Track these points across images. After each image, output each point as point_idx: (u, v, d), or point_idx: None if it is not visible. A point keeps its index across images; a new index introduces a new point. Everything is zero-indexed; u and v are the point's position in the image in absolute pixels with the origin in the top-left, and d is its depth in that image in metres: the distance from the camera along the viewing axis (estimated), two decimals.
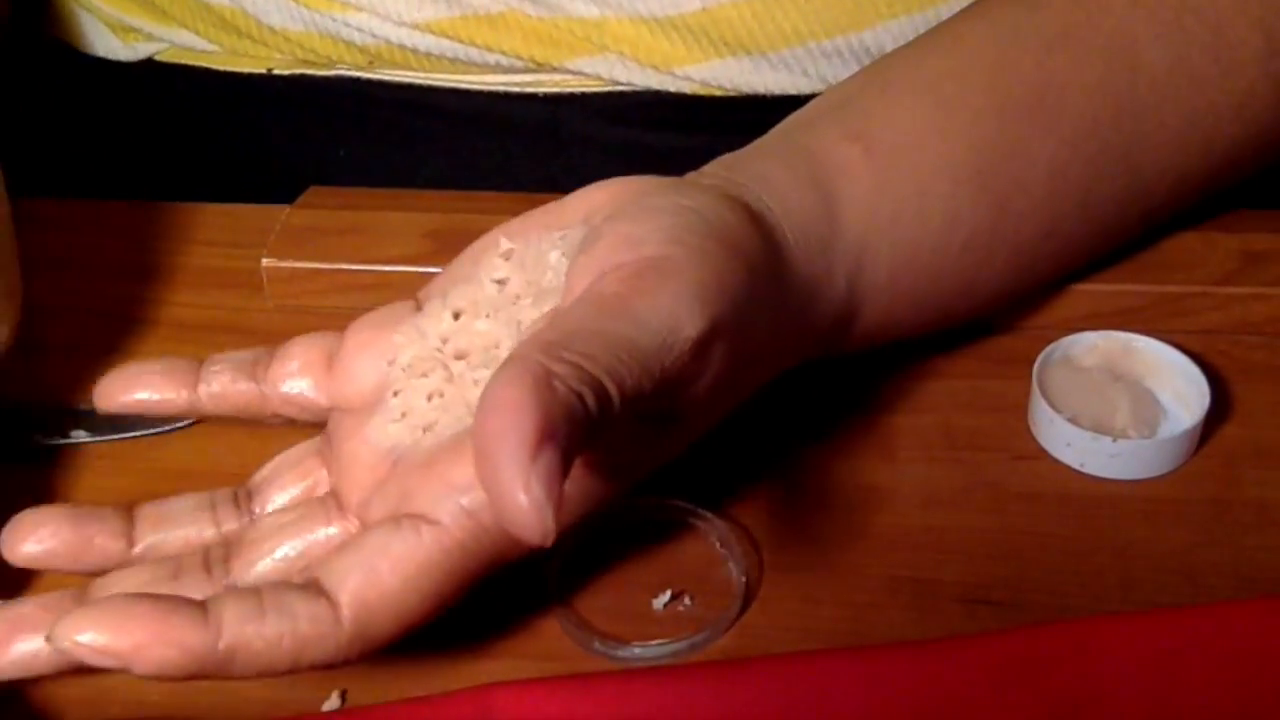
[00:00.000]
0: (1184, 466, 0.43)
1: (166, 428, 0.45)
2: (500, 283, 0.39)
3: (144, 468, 0.44)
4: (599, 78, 0.54)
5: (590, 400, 0.32)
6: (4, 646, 0.35)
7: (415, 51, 0.54)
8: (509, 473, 0.30)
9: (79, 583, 0.38)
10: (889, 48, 0.51)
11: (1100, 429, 0.43)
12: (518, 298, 0.39)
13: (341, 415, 0.40)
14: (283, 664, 0.33)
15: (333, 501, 0.38)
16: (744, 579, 0.40)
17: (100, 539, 0.38)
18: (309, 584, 0.34)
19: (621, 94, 0.55)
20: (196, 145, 0.61)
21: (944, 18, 0.47)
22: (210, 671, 0.33)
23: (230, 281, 0.51)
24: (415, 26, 0.53)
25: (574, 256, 0.37)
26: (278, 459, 0.40)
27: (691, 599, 0.40)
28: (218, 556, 0.37)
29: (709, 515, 0.41)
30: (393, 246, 0.50)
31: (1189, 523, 0.41)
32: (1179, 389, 0.44)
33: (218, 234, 0.54)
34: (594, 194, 0.41)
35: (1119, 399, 0.44)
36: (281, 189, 0.53)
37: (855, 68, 0.52)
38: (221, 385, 0.41)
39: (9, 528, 0.38)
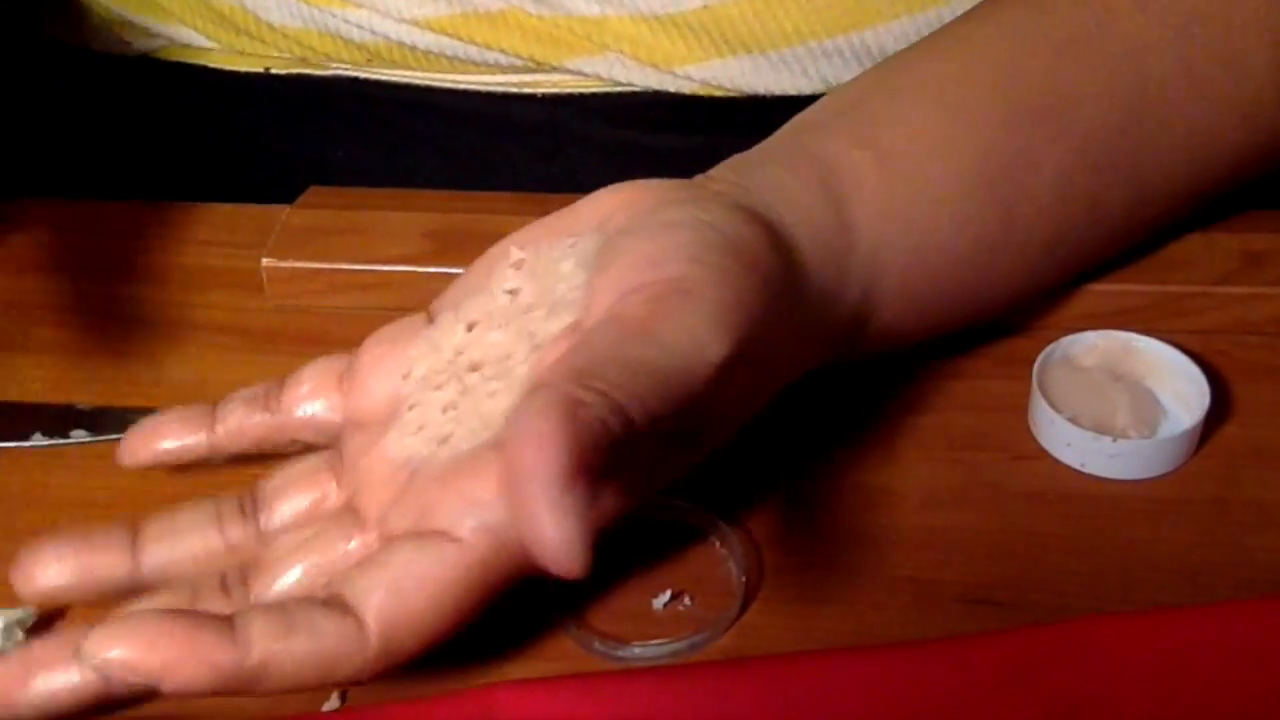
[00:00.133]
0: (1184, 466, 0.43)
1: None
2: (512, 293, 0.39)
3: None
4: (598, 78, 0.54)
5: (617, 427, 0.32)
6: (22, 685, 0.34)
7: (414, 49, 0.54)
8: (542, 506, 0.30)
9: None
10: (890, 48, 0.51)
11: (1100, 429, 0.43)
12: (530, 308, 0.39)
13: (355, 430, 0.40)
14: (310, 681, 0.33)
15: (349, 516, 0.38)
16: (744, 579, 0.40)
17: (108, 559, 0.38)
18: (333, 600, 0.34)
19: (620, 94, 0.54)
20: (196, 144, 0.61)
21: (945, 19, 0.47)
22: (237, 689, 0.33)
23: (230, 281, 0.51)
24: (415, 23, 0.53)
25: (592, 272, 0.37)
26: (286, 470, 0.40)
27: (691, 599, 0.40)
28: (235, 579, 0.37)
29: (709, 515, 0.41)
30: (393, 246, 0.50)
31: (1189, 523, 0.41)
32: (1179, 389, 0.44)
33: (218, 234, 0.53)
34: (605, 200, 0.40)
35: (1119, 399, 0.44)
36: (281, 189, 0.53)
37: (856, 68, 0.52)
38: (237, 421, 0.41)
39: (17, 568, 0.38)
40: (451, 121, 0.57)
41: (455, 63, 0.54)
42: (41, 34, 0.62)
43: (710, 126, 0.55)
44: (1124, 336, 0.45)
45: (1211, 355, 0.46)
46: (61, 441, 0.45)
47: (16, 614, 0.39)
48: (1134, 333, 0.45)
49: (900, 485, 0.43)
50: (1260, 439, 0.44)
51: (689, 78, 0.53)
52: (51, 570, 0.38)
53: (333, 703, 0.37)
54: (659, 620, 0.39)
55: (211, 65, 0.58)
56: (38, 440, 0.45)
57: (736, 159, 0.42)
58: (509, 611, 0.40)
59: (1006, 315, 0.47)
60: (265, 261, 0.50)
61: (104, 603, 0.40)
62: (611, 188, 0.41)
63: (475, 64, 0.54)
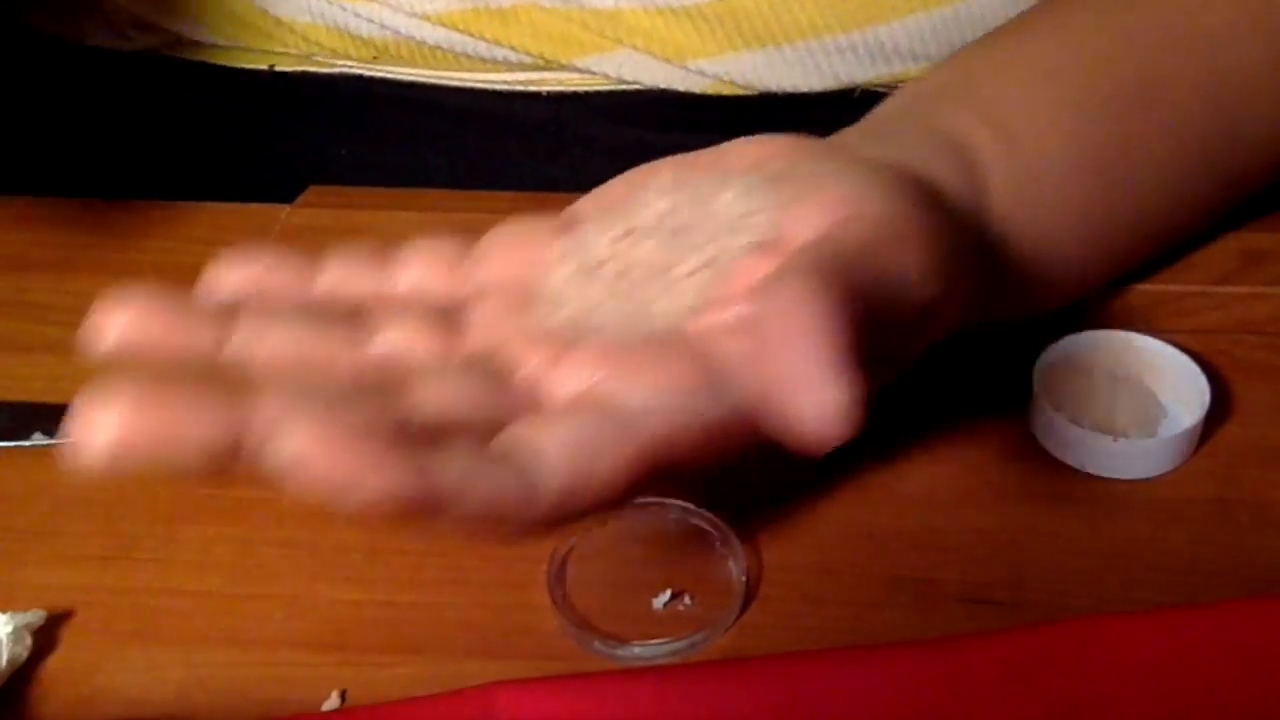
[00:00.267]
0: (1184, 466, 0.43)
1: None
2: (664, 213, 0.39)
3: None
4: (606, 76, 0.54)
5: (862, 323, 0.32)
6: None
7: (422, 45, 0.54)
8: (819, 369, 0.30)
9: None
10: (903, 45, 0.52)
11: (1100, 429, 0.43)
12: (687, 228, 0.38)
13: (483, 300, 0.38)
14: (482, 526, 0.32)
15: (484, 369, 0.36)
16: (744, 579, 0.40)
17: (192, 325, 0.34)
18: (511, 452, 0.33)
19: (625, 92, 0.55)
20: (196, 143, 0.61)
21: (961, 16, 0.47)
22: (411, 516, 0.31)
23: None
24: (425, 18, 0.53)
25: (778, 203, 0.37)
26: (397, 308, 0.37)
27: (691, 599, 0.40)
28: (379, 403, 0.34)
29: (709, 515, 0.41)
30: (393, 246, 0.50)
31: (1189, 523, 0.41)
32: (1179, 389, 0.44)
33: (218, 234, 0.53)
34: (751, 148, 0.40)
35: (1119, 399, 0.44)
36: (282, 189, 0.53)
37: (869, 65, 0.52)
38: (340, 275, 0.38)
39: (94, 316, 0.33)
40: (455, 120, 0.57)
41: (462, 60, 0.54)
42: (31, 29, 0.62)
43: (716, 125, 0.55)
44: (1124, 336, 0.45)
45: (1211, 355, 0.46)
46: (61, 441, 0.45)
47: (26, 617, 0.39)
48: (1134, 333, 0.45)
49: (900, 485, 0.43)
50: (1260, 439, 0.44)
51: (701, 72, 0.53)
52: (131, 312, 0.34)
53: (333, 702, 0.37)
54: (659, 620, 0.39)
55: (214, 62, 0.58)
56: (38, 440, 0.45)
57: (851, 132, 0.42)
58: (509, 611, 0.40)
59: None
60: None
61: (110, 602, 0.40)
62: (756, 138, 0.40)
63: (484, 61, 0.54)
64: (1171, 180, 0.45)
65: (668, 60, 0.53)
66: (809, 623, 0.39)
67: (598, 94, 0.55)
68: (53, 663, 0.39)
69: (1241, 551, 0.41)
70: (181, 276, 0.52)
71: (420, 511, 0.30)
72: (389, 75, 0.56)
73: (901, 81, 0.55)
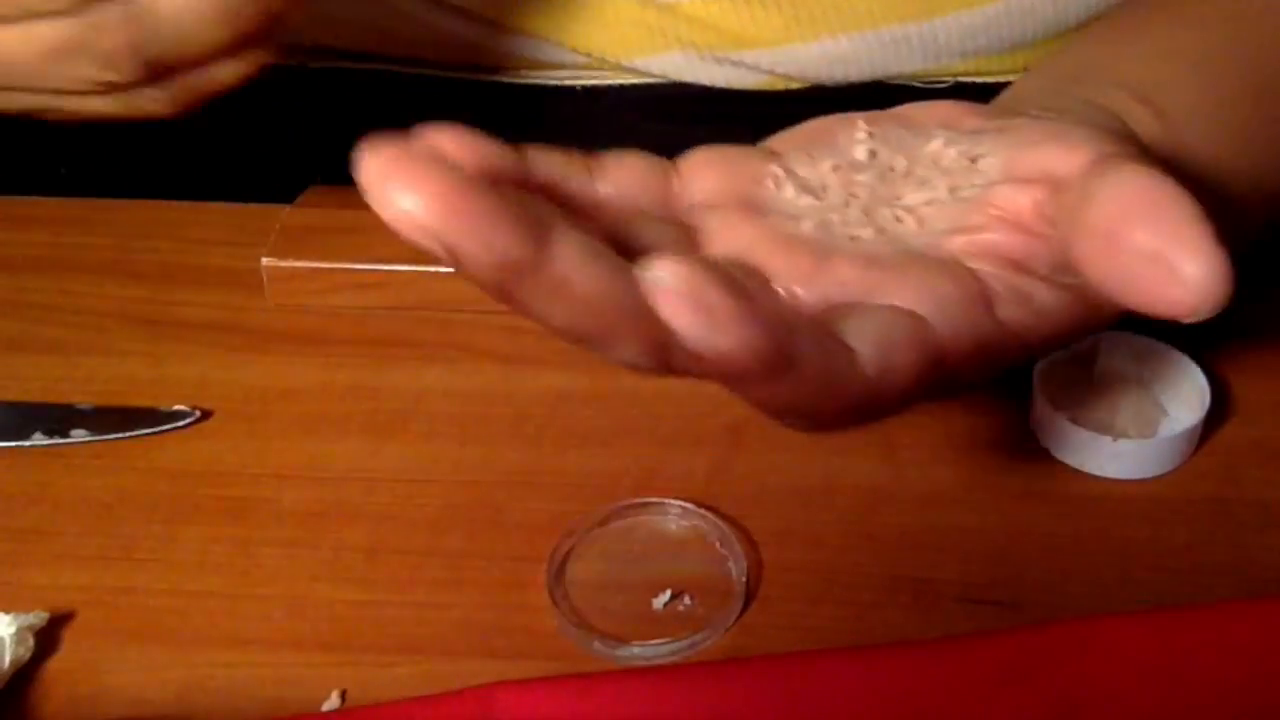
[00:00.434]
0: (1184, 466, 0.43)
1: (167, 427, 0.45)
2: (872, 154, 0.38)
3: (144, 467, 0.44)
4: (651, 74, 0.53)
5: None
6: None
7: (457, 41, 0.53)
8: (1193, 232, 0.30)
9: None
10: (955, 40, 0.52)
11: (1100, 429, 0.43)
12: (891, 170, 0.38)
13: (709, 212, 0.37)
14: (804, 398, 0.31)
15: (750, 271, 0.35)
16: (744, 579, 0.40)
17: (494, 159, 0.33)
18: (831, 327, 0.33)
19: (654, 86, 0.54)
20: (196, 143, 0.61)
21: (1012, 10, 0.47)
22: (752, 373, 0.30)
23: (230, 281, 0.51)
24: (469, 15, 0.53)
25: (1020, 146, 0.37)
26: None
27: (691, 599, 0.40)
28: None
29: (709, 515, 0.41)
30: (393, 246, 0.50)
31: (1189, 523, 0.41)
32: (1179, 389, 0.44)
33: (218, 234, 0.54)
34: (931, 109, 0.40)
35: (1119, 399, 0.44)
36: (282, 189, 0.53)
37: (918, 58, 0.52)
38: (552, 171, 0.36)
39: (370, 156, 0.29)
40: (459, 117, 0.57)
41: (502, 56, 0.54)
42: None
43: (748, 119, 0.55)
44: (1124, 336, 0.45)
45: (1211, 355, 0.46)
46: (61, 441, 0.45)
47: (28, 618, 0.39)
48: (1134, 333, 0.45)
49: (900, 485, 0.43)
50: (1260, 439, 0.44)
51: (754, 66, 0.52)
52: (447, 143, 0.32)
53: (333, 702, 0.37)
54: (659, 620, 0.39)
55: None
56: (38, 440, 0.45)
57: (1003, 100, 0.42)
58: (509, 611, 0.40)
59: None
60: (265, 261, 0.50)
61: (110, 602, 0.40)
62: (922, 103, 0.40)
63: (528, 60, 0.53)
64: None
65: (723, 52, 0.52)
66: (809, 623, 0.39)
67: (631, 87, 0.54)
68: (54, 663, 0.39)
69: (1241, 551, 0.41)
70: (181, 276, 0.52)
71: (768, 367, 0.29)
72: (399, 71, 0.56)
73: (942, 77, 0.55)
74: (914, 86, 0.56)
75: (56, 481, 0.44)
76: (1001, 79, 0.54)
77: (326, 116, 0.59)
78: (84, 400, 0.46)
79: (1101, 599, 0.39)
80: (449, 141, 0.32)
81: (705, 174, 0.38)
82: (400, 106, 0.57)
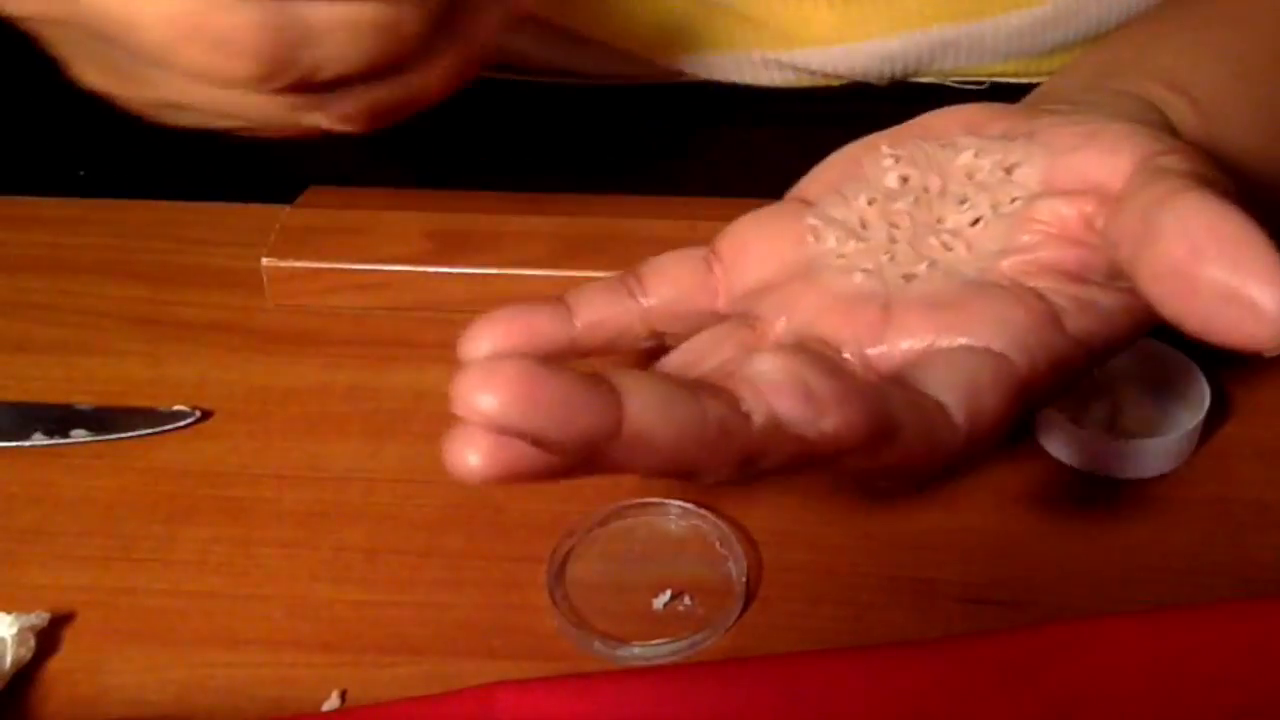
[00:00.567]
0: (1184, 466, 0.43)
1: (167, 427, 0.45)
2: (903, 180, 0.38)
3: (144, 467, 0.44)
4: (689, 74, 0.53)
5: None
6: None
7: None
8: (1266, 273, 0.30)
9: None
10: (1000, 41, 0.52)
11: (1100, 429, 0.43)
12: (927, 191, 0.38)
13: (760, 295, 0.38)
14: (910, 461, 0.32)
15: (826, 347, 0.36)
16: (744, 579, 0.40)
17: (548, 324, 0.37)
18: (917, 388, 0.33)
19: (684, 85, 0.54)
20: (196, 143, 0.61)
21: (1060, 11, 0.47)
22: (863, 446, 0.31)
23: (230, 281, 0.51)
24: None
25: (1058, 153, 0.36)
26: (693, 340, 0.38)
27: (691, 599, 0.40)
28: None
29: (709, 515, 0.42)
30: (393, 246, 0.50)
31: (1189, 523, 0.41)
32: (1179, 389, 0.44)
33: (218, 234, 0.54)
34: (952, 116, 0.40)
35: (1119, 399, 0.44)
36: (282, 189, 0.53)
37: (962, 59, 0.53)
38: (597, 313, 0.38)
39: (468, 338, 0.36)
40: (460, 117, 0.56)
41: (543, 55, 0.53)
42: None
43: (771, 119, 0.55)
44: None
45: (1211, 355, 0.46)
46: (61, 441, 0.45)
47: (29, 619, 0.39)
48: None
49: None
50: (1260, 439, 0.44)
51: (804, 66, 0.52)
52: (499, 333, 0.36)
53: (333, 702, 0.37)
54: (659, 620, 0.39)
55: None
56: (38, 440, 0.45)
57: (1034, 98, 0.42)
58: (509, 611, 0.40)
59: None
60: (265, 261, 0.50)
61: (110, 603, 0.40)
62: (942, 110, 0.40)
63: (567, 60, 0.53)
64: None
65: (773, 52, 0.52)
66: (809, 623, 0.39)
67: (666, 88, 0.54)
68: (54, 664, 0.39)
69: (1241, 551, 0.41)
70: (181, 276, 0.52)
71: (872, 440, 0.30)
72: None
73: (979, 77, 0.55)
74: (947, 86, 0.56)
75: (56, 481, 0.44)
76: (1037, 80, 0.54)
77: None
78: (84, 400, 0.46)
79: (1101, 599, 0.39)
80: (502, 323, 0.35)
81: (746, 255, 0.38)
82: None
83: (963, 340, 0.34)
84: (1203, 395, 0.43)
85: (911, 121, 0.40)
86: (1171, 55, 0.44)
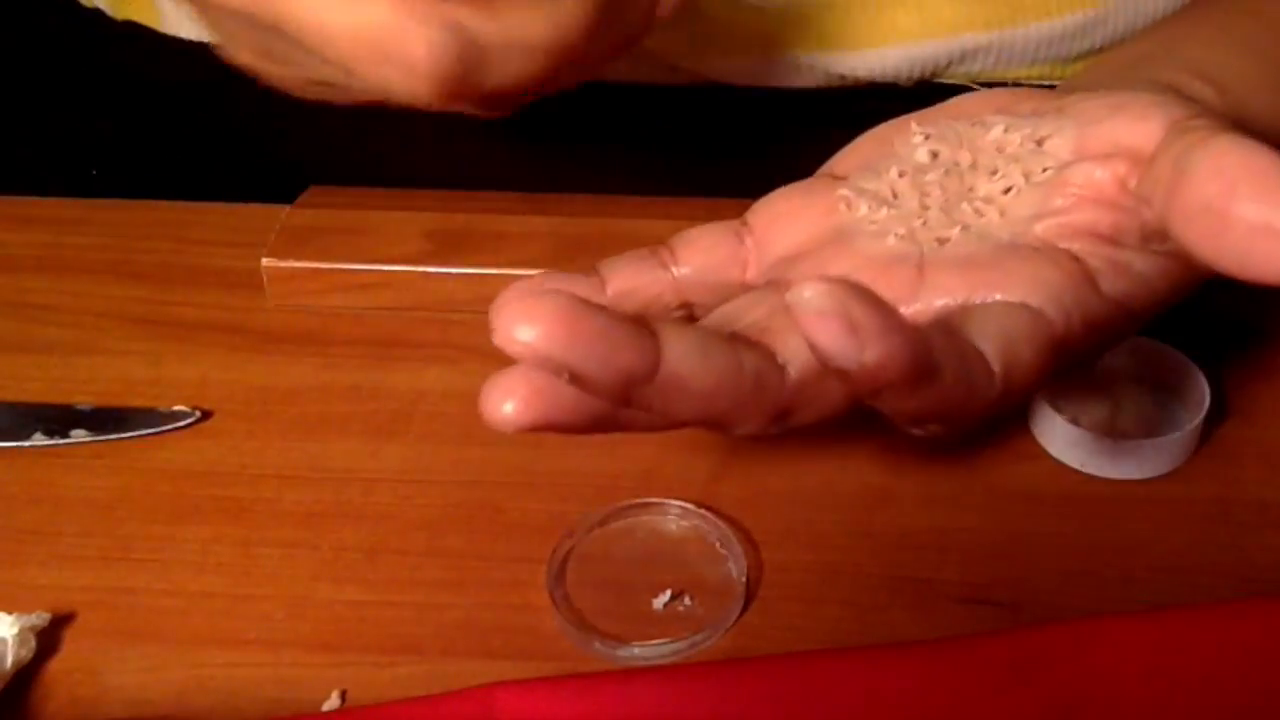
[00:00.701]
0: (1184, 466, 0.43)
1: (167, 427, 0.45)
2: (934, 154, 0.38)
3: (144, 467, 0.44)
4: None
5: None
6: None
7: None
8: None
9: None
10: (1031, 48, 0.52)
11: (1100, 429, 0.43)
12: (957, 165, 0.38)
13: (782, 264, 0.38)
14: (943, 407, 0.32)
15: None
16: (744, 579, 0.40)
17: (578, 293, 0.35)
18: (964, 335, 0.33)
19: (697, 89, 0.54)
20: (196, 143, 0.61)
21: (1092, 19, 0.48)
22: (898, 384, 0.30)
23: (230, 281, 0.51)
24: None
25: (1086, 124, 0.37)
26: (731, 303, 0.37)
27: (691, 599, 0.40)
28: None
29: (709, 515, 0.41)
30: (393, 246, 0.50)
31: (1189, 523, 0.41)
32: (1179, 389, 0.44)
33: (218, 234, 0.54)
34: (984, 99, 0.40)
35: (1119, 399, 0.44)
36: (281, 189, 0.53)
37: (991, 63, 0.53)
38: (628, 280, 0.38)
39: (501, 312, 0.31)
40: (461, 117, 0.56)
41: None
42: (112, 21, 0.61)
43: (785, 119, 0.55)
44: None
45: (1211, 355, 0.46)
46: (61, 441, 0.45)
47: (30, 619, 0.39)
48: (1134, 333, 0.45)
49: (900, 485, 0.43)
50: (1260, 439, 0.44)
51: (828, 69, 0.53)
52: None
53: (333, 702, 0.37)
54: (659, 620, 0.39)
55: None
56: (38, 440, 0.45)
57: (1064, 87, 0.42)
58: (509, 611, 0.40)
59: None
60: (265, 261, 0.50)
61: (110, 603, 0.40)
62: (972, 94, 0.40)
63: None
64: None
65: (806, 54, 0.52)
66: (809, 623, 0.39)
67: (682, 90, 0.54)
68: (54, 664, 0.39)
69: (1241, 552, 0.41)
70: (182, 276, 0.52)
71: (914, 376, 0.29)
72: None
73: (1004, 80, 0.55)
74: (972, 88, 0.56)
75: (56, 481, 0.44)
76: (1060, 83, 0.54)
77: (327, 116, 0.58)
78: (84, 400, 0.46)
79: (1101, 599, 0.39)
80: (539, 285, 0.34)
81: (776, 226, 0.39)
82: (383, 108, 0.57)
83: (998, 296, 0.34)
84: (1203, 395, 0.43)
85: (941, 104, 0.40)
86: (1199, 48, 0.44)
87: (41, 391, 0.47)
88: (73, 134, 0.63)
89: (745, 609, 0.40)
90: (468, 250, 0.50)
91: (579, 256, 0.49)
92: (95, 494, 0.44)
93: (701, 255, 0.39)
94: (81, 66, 0.61)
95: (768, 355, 0.32)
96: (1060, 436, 0.43)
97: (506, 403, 0.30)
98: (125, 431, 0.45)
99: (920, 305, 0.35)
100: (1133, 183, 0.35)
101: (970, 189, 0.37)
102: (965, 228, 0.36)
